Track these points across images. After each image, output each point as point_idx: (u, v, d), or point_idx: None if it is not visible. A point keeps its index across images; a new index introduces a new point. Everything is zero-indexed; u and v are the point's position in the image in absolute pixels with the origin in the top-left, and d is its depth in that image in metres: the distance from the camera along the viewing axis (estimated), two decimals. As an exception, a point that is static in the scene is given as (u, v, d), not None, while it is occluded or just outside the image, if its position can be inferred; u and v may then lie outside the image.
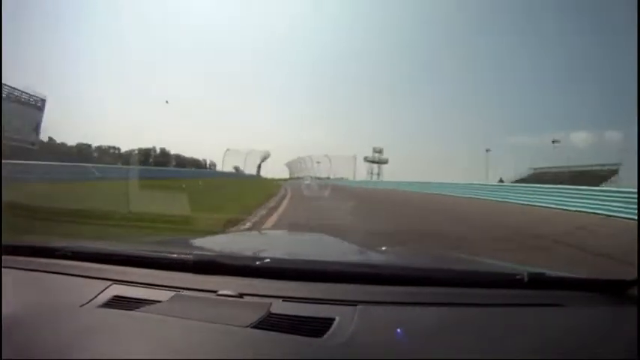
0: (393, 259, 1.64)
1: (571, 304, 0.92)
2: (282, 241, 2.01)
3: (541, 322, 0.85)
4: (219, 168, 58.65)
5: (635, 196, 9.71)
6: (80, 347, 0.73)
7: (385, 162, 59.97)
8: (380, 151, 59.97)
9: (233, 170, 58.93)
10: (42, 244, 1.32)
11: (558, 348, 0.75)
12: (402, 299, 0.93)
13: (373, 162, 60.20)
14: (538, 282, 0.99)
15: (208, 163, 59.98)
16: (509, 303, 0.94)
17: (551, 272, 1.05)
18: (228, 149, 55.92)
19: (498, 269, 1.36)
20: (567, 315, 0.90)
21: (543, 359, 0.72)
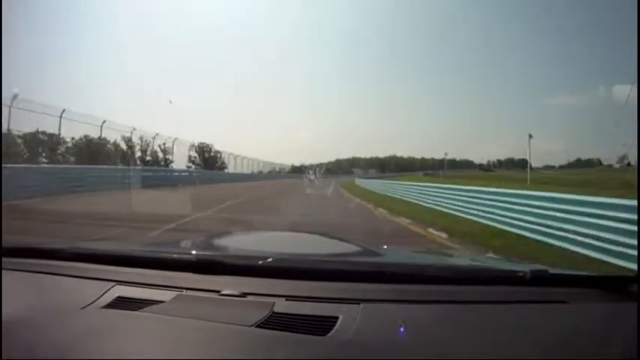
0: (395, 258, 1.65)
1: (573, 301, 0.93)
2: (284, 240, 2.01)
3: (544, 319, 0.86)
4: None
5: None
6: (83, 348, 0.73)
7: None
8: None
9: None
10: (43, 245, 1.32)
11: (561, 344, 0.75)
12: (404, 297, 0.94)
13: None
14: (540, 279, 0.99)
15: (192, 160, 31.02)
16: (512, 300, 0.94)
17: (553, 269, 1.06)
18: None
19: (501, 267, 1.37)
20: (570, 311, 0.90)
21: (547, 356, 0.72)
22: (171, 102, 70.97)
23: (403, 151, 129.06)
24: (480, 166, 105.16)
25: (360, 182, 31.16)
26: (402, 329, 0.77)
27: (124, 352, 0.71)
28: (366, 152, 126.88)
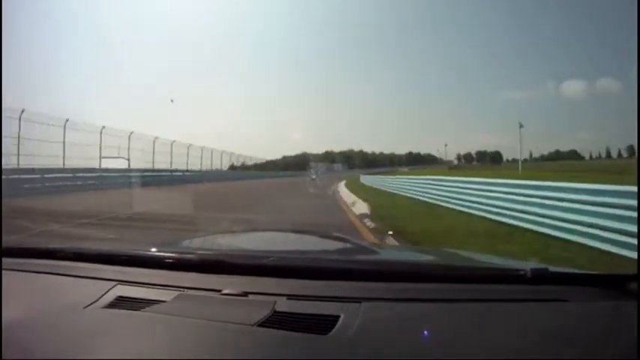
0: (396, 256, 1.65)
1: (573, 299, 0.93)
2: (285, 239, 2.02)
3: (545, 317, 0.86)
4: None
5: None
6: (84, 348, 0.73)
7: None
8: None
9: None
10: (44, 245, 1.32)
11: (562, 342, 0.75)
12: (406, 296, 0.94)
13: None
14: (541, 277, 0.99)
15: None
16: (513, 298, 0.94)
17: (553, 267, 1.06)
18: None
19: (501, 265, 1.37)
20: (570, 310, 0.90)
21: (547, 354, 0.72)
22: (172, 101, 70.45)
23: (363, 146, 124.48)
24: (492, 159, 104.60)
25: (366, 181, 22.56)
26: (425, 332, 0.76)
27: (126, 351, 0.71)
28: (319, 148, 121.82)
